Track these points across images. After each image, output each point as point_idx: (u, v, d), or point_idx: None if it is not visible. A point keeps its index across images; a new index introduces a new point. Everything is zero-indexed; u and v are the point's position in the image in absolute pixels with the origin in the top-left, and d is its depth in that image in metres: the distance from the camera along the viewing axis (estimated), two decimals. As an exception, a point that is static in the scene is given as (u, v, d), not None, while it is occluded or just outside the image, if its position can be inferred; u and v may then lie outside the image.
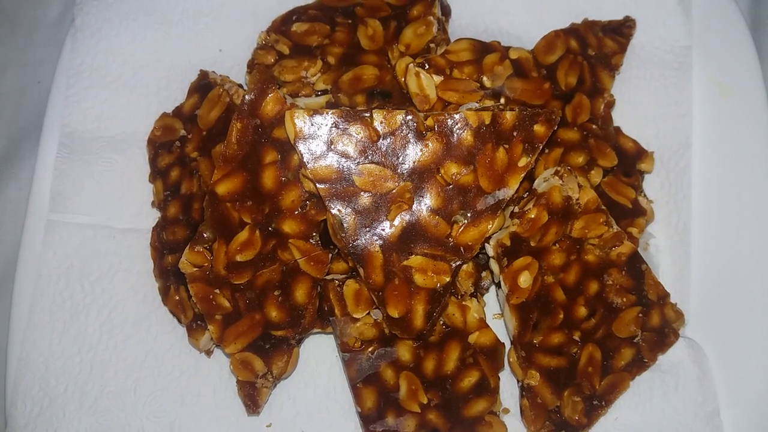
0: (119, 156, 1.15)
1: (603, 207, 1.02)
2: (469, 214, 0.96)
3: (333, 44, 1.11)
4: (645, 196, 1.11)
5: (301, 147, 0.95)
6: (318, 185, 0.95)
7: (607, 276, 1.02)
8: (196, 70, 1.14)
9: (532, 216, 0.98)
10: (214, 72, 1.14)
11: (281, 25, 1.13)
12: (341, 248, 0.97)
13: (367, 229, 0.95)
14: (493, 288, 1.07)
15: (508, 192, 0.96)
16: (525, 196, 1.01)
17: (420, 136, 0.95)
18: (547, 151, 1.06)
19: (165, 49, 1.19)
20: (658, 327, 1.03)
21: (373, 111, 0.95)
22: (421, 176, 0.95)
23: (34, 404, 1.05)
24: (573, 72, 1.10)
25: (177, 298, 1.05)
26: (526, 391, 1.01)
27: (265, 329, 1.00)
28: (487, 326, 1.01)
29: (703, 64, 1.17)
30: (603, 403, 1.01)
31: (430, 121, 0.95)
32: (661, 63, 1.17)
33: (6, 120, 1.28)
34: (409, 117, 0.95)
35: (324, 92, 1.09)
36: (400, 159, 0.95)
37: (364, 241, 0.95)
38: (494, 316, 1.07)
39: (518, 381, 1.03)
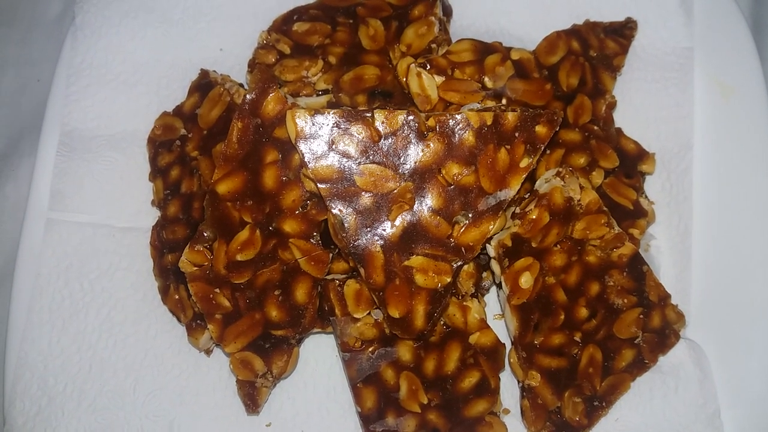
0: (119, 154, 1.15)
1: (604, 208, 1.01)
2: (470, 215, 0.96)
3: (334, 44, 1.11)
4: (646, 197, 1.11)
5: (302, 147, 0.95)
6: (319, 185, 0.95)
7: (608, 277, 1.02)
8: (197, 69, 1.14)
9: (534, 217, 0.98)
10: (214, 71, 1.14)
11: (282, 25, 1.13)
12: (342, 248, 0.97)
13: (368, 229, 0.95)
14: (493, 288, 1.07)
15: (509, 193, 0.96)
16: (526, 197, 1.01)
17: (421, 136, 0.95)
18: (548, 152, 1.06)
19: (165, 47, 1.19)
20: (659, 328, 1.03)
21: (375, 111, 0.95)
22: (422, 176, 0.95)
23: (32, 403, 1.04)
24: (574, 73, 1.10)
25: (177, 297, 1.05)
26: (526, 391, 1.01)
27: (265, 329, 1.00)
28: (488, 327, 1.01)
29: (704, 66, 1.17)
30: (604, 404, 1.01)
31: (431, 122, 0.95)
32: (662, 64, 1.17)
33: (6, 118, 1.28)
34: (411, 117, 0.95)
35: (325, 92, 1.09)
36: (402, 159, 0.95)
37: (365, 241, 0.95)
38: (495, 316, 1.07)
39: (519, 382, 1.03)
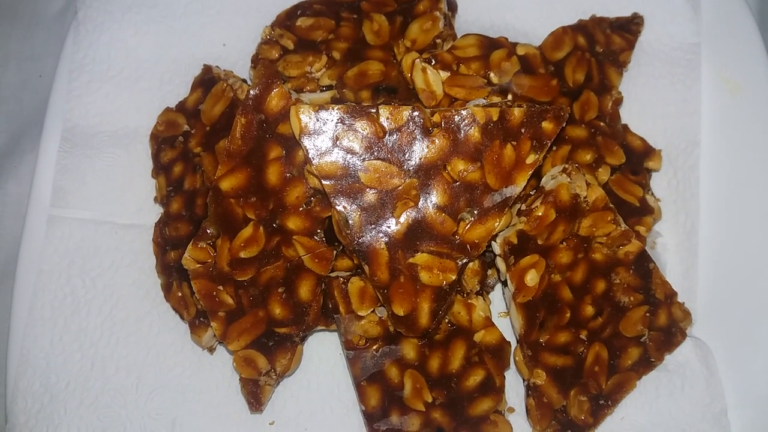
0: (121, 151, 1.14)
1: (611, 205, 1.01)
2: (475, 212, 0.95)
3: (338, 39, 1.10)
4: (652, 194, 1.10)
5: (306, 143, 0.94)
6: (323, 181, 0.94)
7: (614, 275, 1.02)
8: (200, 65, 1.13)
9: (540, 214, 0.98)
10: (217, 66, 1.13)
11: (286, 20, 1.12)
12: (346, 245, 0.97)
13: (373, 226, 0.94)
14: (499, 286, 1.07)
15: (515, 189, 0.95)
16: (532, 193, 1.00)
17: (426, 132, 0.94)
18: (554, 148, 1.05)
19: (168, 43, 1.18)
20: (666, 326, 1.03)
21: (380, 107, 0.94)
22: (427, 173, 0.94)
23: (34, 401, 1.04)
24: (581, 69, 1.09)
25: (180, 294, 1.04)
26: (531, 390, 1.00)
27: (269, 326, 1.00)
28: (493, 325, 1.00)
29: (711, 62, 1.16)
30: (609, 402, 1.01)
31: (436, 118, 0.94)
32: (669, 60, 1.17)
33: (7, 114, 1.27)
34: (416, 113, 0.94)
35: (329, 88, 1.08)
36: (407, 155, 0.94)
37: (369, 239, 0.94)
38: (500, 314, 1.07)
39: (524, 380, 1.02)
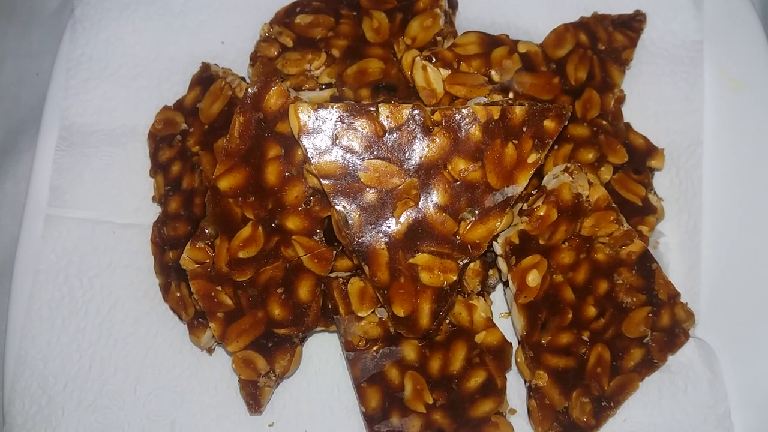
0: (119, 150, 1.13)
1: (613, 204, 1.00)
2: (476, 212, 0.94)
3: (337, 37, 1.09)
4: (655, 193, 1.09)
5: (305, 142, 0.93)
6: (322, 181, 0.93)
7: (617, 275, 1.01)
8: (198, 63, 1.12)
9: (542, 213, 0.97)
10: (216, 64, 1.12)
11: (285, 17, 1.12)
12: (346, 245, 0.96)
13: (373, 226, 0.93)
14: (500, 287, 1.06)
15: (517, 189, 0.94)
16: (534, 193, 0.99)
17: (427, 131, 0.94)
18: (556, 147, 1.04)
19: (166, 40, 1.17)
20: (668, 327, 1.02)
21: (379, 105, 0.93)
22: (427, 172, 0.94)
23: (32, 402, 1.03)
24: (583, 66, 1.08)
25: (178, 294, 1.04)
26: (533, 391, 0.99)
27: (268, 327, 0.99)
28: (494, 325, 0.99)
29: (714, 59, 1.16)
30: (612, 404, 1.00)
31: (437, 116, 0.93)
32: (672, 58, 1.16)
33: (4, 112, 1.26)
34: (416, 111, 0.93)
35: (328, 86, 1.07)
36: (407, 154, 0.93)
37: (369, 239, 0.93)
38: (501, 315, 1.06)
39: (525, 381, 1.01)
